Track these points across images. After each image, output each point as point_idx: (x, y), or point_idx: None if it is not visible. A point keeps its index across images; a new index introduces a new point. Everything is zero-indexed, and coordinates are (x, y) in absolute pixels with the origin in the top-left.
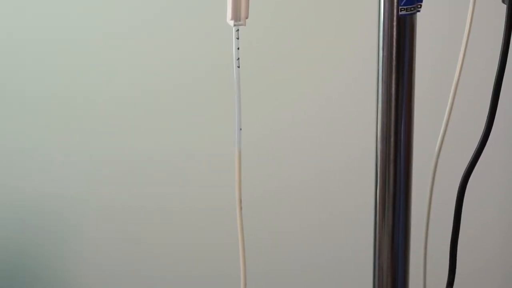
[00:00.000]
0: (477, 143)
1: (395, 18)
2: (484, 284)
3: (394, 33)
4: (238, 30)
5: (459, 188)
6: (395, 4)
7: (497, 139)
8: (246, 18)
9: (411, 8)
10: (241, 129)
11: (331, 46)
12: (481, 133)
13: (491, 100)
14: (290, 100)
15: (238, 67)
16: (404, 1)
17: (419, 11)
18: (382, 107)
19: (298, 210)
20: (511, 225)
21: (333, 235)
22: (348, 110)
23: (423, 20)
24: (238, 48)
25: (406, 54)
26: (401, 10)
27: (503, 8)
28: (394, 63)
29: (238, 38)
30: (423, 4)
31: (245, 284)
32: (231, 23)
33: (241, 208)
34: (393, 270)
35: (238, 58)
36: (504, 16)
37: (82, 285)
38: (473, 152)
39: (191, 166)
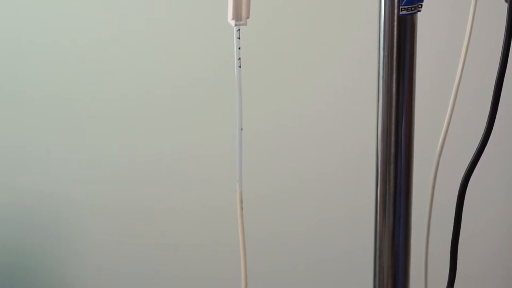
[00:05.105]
0: (478, 143)
1: (395, 18)
2: (485, 284)
3: (395, 33)
4: (239, 30)
5: (460, 188)
6: (396, 4)
7: (498, 139)
8: (247, 18)
9: (411, 8)
10: (242, 129)
11: (331, 46)
12: (482, 133)
13: (492, 100)
14: (291, 100)
15: (240, 66)
16: (404, 1)
17: (419, 10)
18: (382, 107)
19: (299, 209)
20: (511, 225)
21: (333, 235)
22: (348, 110)
23: (423, 20)
24: (239, 48)
25: (407, 54)
26: (401, 10)
27: (504, 7)
28: (394, 63)
29: (239, 38)
30: (423, 4)
31: (246, 284)
32: (232, 23)
33: (242, 208)
34: (394, 270)
35: (239, 58)
36: (505, 16)
37: (82, 285)
38: (474, 152)
39: (191, 166)
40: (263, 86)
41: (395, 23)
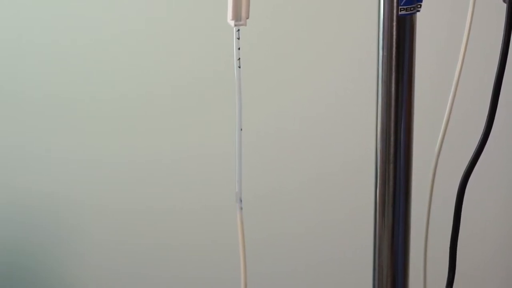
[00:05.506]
0: (477, 143)
1: (395, 18)
2: (484, 284)
3: (394, 33)
4: (238, 30)
5: (459, 188)
6: (395, 4)
7: (497, 139)
8: (247, 18)
9: (411, 8)
10: (241, 129)
11: (331, 46)
12: (481, 133)
13: (491, 100)
14: (291, 100)
15: (239, 67)
16: (404, 1)
17: (419, 11)
18: (382, 107)
19: (298, 210)
20: (511, 224)
21: (333, 235)
22: (348, 110)
23: (423, 20)
24: (239, 48)
25: (406, 54)
26: (401, 10)
27: (503, 7)
28: (394, 63)
29: (238, 38)
30: (423, 4)
31: (246, 285)
32: (232, 23)
33: (241, 208)
34: (393, 270)
35: (239, 58)
36: (504, 16)
37: (82, 285)
38: (473, 151)
39: (191, 166)
40: (263, 87)
41: (394, 23)
